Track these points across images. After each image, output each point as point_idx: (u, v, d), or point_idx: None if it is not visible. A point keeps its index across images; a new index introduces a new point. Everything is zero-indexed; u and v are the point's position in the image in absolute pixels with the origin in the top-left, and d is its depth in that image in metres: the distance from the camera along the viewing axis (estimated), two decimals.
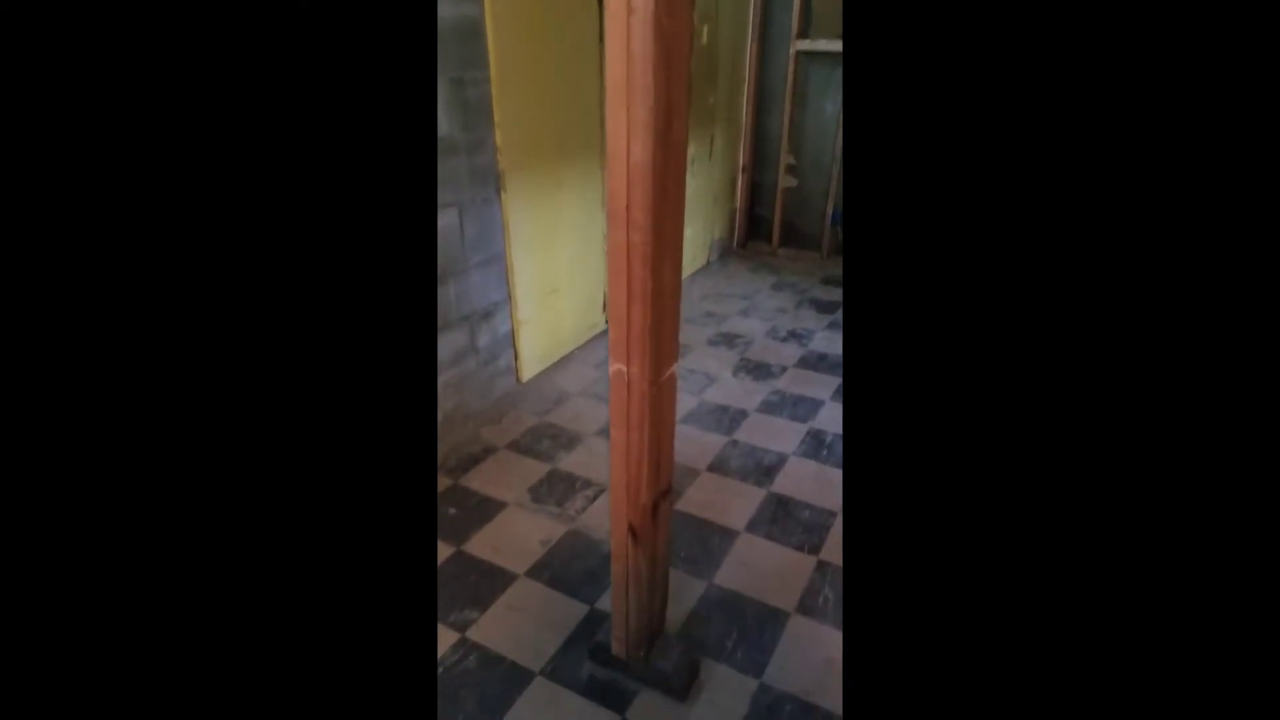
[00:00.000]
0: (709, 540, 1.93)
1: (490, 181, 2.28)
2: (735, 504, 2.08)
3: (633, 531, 1.30)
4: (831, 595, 1.74)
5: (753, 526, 1.98)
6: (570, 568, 1.83)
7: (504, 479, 2.17)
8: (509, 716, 1.43)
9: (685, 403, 2.62)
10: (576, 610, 1.69)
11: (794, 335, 3.23)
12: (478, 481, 2.15)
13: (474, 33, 2.08)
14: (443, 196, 2.11)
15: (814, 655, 1.58)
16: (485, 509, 2.04)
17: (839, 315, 3.43)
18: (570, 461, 2.26)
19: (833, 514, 2.03)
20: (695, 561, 1.85)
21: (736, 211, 4.31)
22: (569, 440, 2.38)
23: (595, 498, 2.09)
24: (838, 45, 3.72)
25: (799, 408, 2.61)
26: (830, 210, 4.08)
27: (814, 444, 2.38)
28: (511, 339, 2.59)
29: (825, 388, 2.76)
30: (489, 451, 2.31)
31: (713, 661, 1.56)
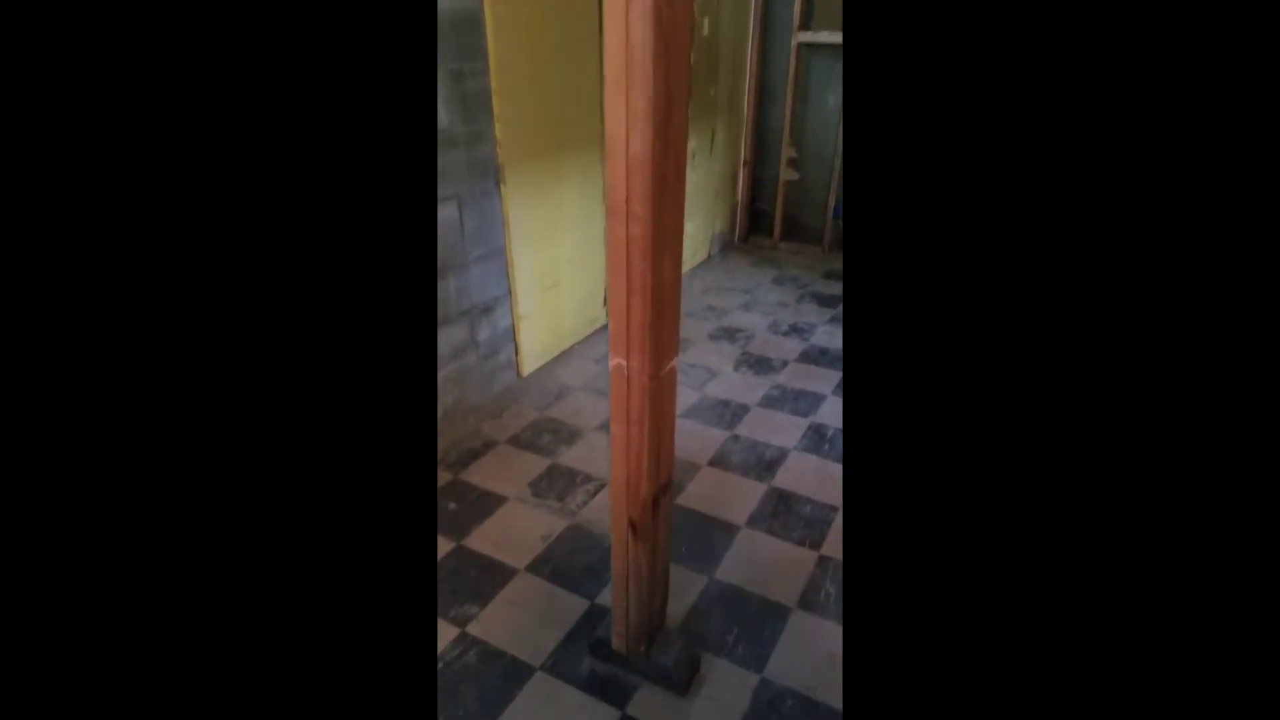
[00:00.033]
0: (710, 535, 1.92)
1: (490, 174, 2.26)
2: (736, 499, 2.07)
3: (633, 526, 1.30)
4: (833, 590, 1.74)
5: (754, 521, 1.98)
6: (571, 562, 1.82)
7: (504, 474, 2.16)
8: (509, 711, 1.43)
9: (686, 397, 2.61)
10: (577, 605, 1.69)
11: (795, 329, 3.22)
12: (478, 476, 2.15)
13: (473, 24, 2.06)
14: (442, 190, 2.10)
15: (815, 650, 1.57)
16: (485, 504, 2.03)
17: (840, 309, 3.41)
18: (571, 456, 2.26)
19: (834, 509, 2.03)
20: (696, 556, 1.85)
21: (738, 205, 4.29)
22: (569, 435, 2.37)
23: (596, 492, 2.08)
24: (840, 37, 3.70)
25: (800, 402, 2.60)
26: (832, 204, 4.06)
27: (815, 438, 2.37)
28: (512, 333, 2.58)
29: (827, 382, 2.75)
30: (489, 446, 2.30)
31: (713, 656, 1.55)
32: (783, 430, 2.42)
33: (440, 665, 1.53)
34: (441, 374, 2.30)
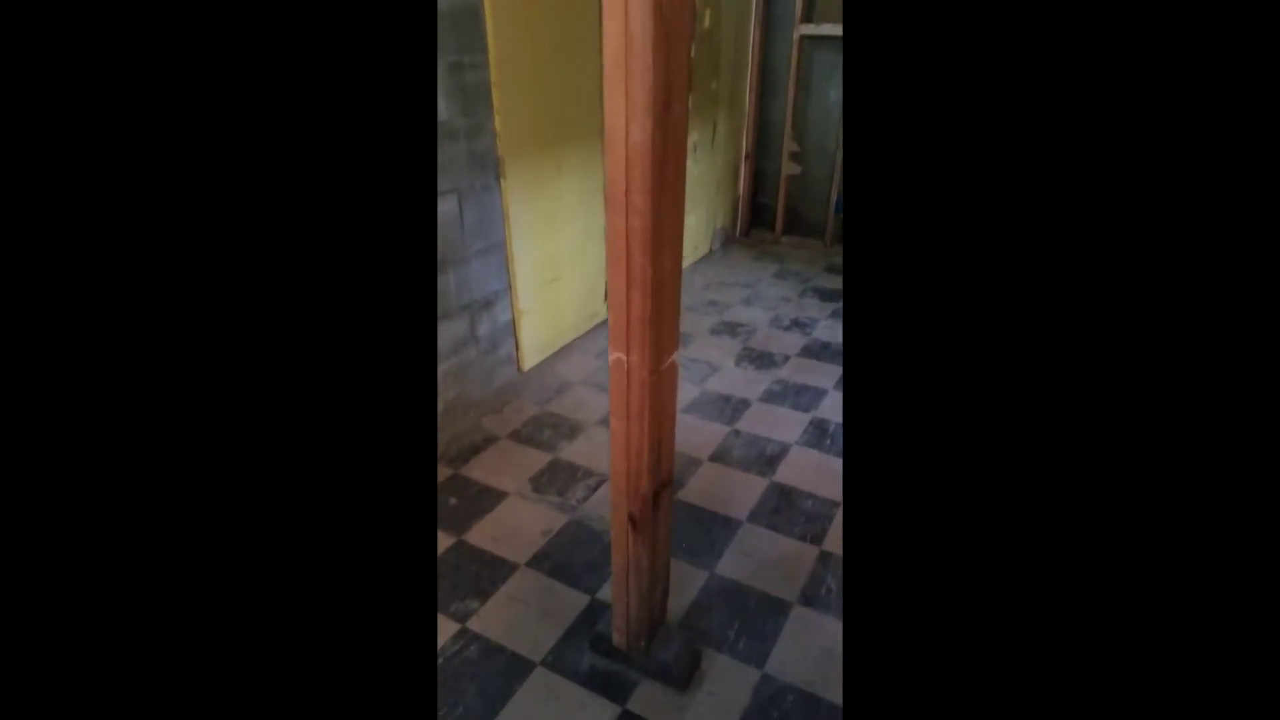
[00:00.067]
0: (711, 530, 1.92)
1: (490, 168, 2.25)
2: (737, 494, 2.06)
3: (633, 521, 1.29)
4: (834, 585, 1.73)
5: (755, 516, 1.97)
6: (571, 558, 1.82)
7: (505, 469, 2.16)
8: (509, 707, 1.43)
9: (687, 392, 2.60)
10: (577, 600, 1.69)
11: (797, 324, 3.20)
12: (478, 471, 2.14)
13: (472, 16, 2.04)
14: (442, 183, 2.09)
15: (816, 646, 1.57)
16: (486, 499, 2.02)
17: (843, 304, 3.40)
18: (571, 451, 2.25)
19: (835, 504, 2.02)
20: (697, 551, 1.84)
21: (739, 199, 4.27)
22: (570, 430, 2.36)
23: (597, 487, 2.07)
24: (842, 29, 3.67)
25: (802, 397, 2.59)
26: (834, 198, 4.04)
27: (817, 433, 2.36)
28: (512, 328, 2.57)
29: (828, 377, 2.73)
30: (490, 441, 2.29)
31: (714, 652, 1.55)
32: (784, 425, 2.41)
33: (440, 661, 1.52)
34: (441, 369, 2.29)
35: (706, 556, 1.83)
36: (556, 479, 2.12)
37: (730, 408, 2.52)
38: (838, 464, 2.20)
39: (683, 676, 1.45)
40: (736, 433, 2.37)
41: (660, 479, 1.28)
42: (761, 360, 2.87)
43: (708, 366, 2.81)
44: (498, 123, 2.22)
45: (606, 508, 1.96)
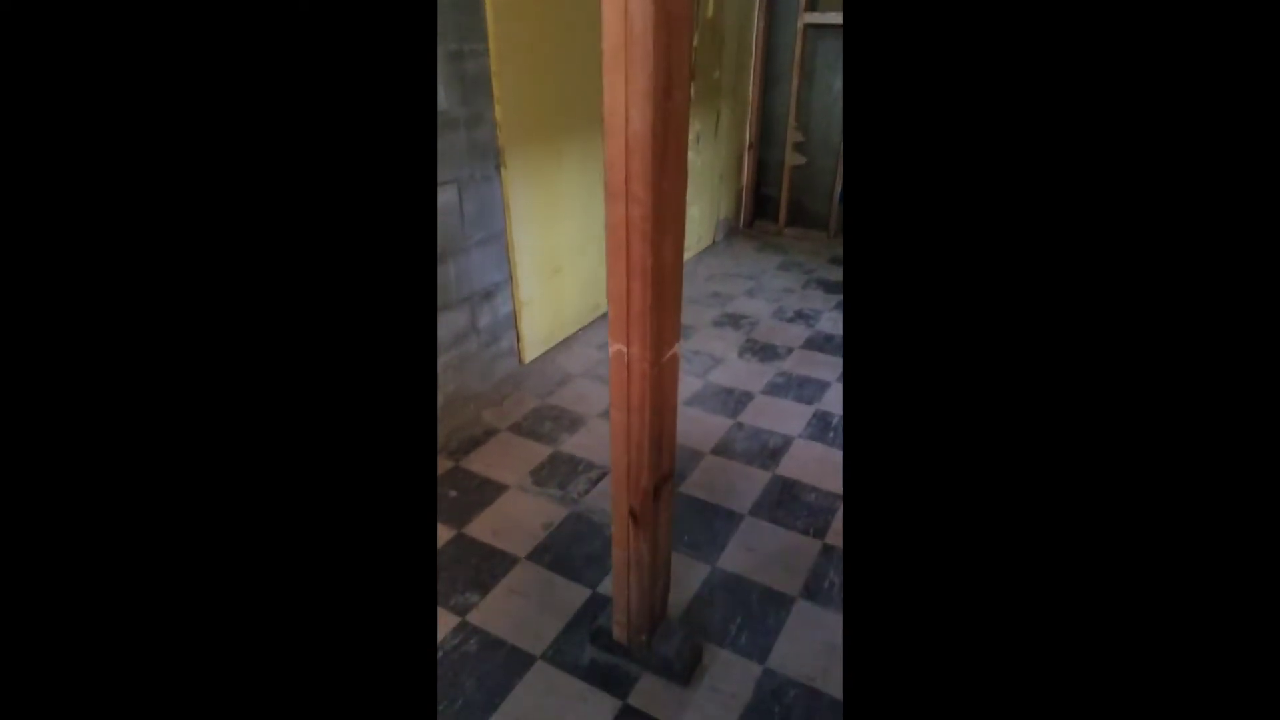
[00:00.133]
0: (713, 523, 1.90)
1: (490, 157, 2.23)
2: (740, 487, 2.05)
3: (634, 515, 1.27)
4: (837, 580, 1.72)
5: (757, 510, 1.96)
6: (572, 551, 1.81)
7: (505, 461, 2.15)
8: (509, 700, 1.42)
9: (690, 384, 2.59)
10: (578, 594, 1.68)
11: (801, 316, 3.18)
12: (479, 464, 2.13)
13: (472, 3, 2.02)
14: (441, 173, 2.07)
15: (819, 640, 1.55)
16: (486, 491, 2.01)
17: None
18: (572, 444, 2.24)
19: (838, 497, 2.00)
20: (699, 545, 1.83)
21: (743, 190, 4.24)
22: (571, 422, 2.35)
23: (598, 480, 2.06)
24: None
25: (805, 389, 2.57)
26: (838, 189, 4.01)
27: (820, 426, 2.35)
28: (513, 320, 2.55)
29: (832, 369, 2.71)
30: (490, 433, 2.28)
31: (716, 646, 1.54)
32: (787, 418, 2.39)
33: (440, 654, 1.51)
34: (442, 361, 2.27)
35: (708, 550, 1.81)
36: (557, 472, 2.10)
37: (733, 400, 2.50)
38: (841, 457, 2.18)
39: (684, 671, 1.44)
40: (739, 425, 2.35)
41: (661, 473, 1.27)
42: (764, 352, 2.85)
43: (710, 359, 2.79)
44: (498, 112, 2.19)
45: (608, 501, 1.95)
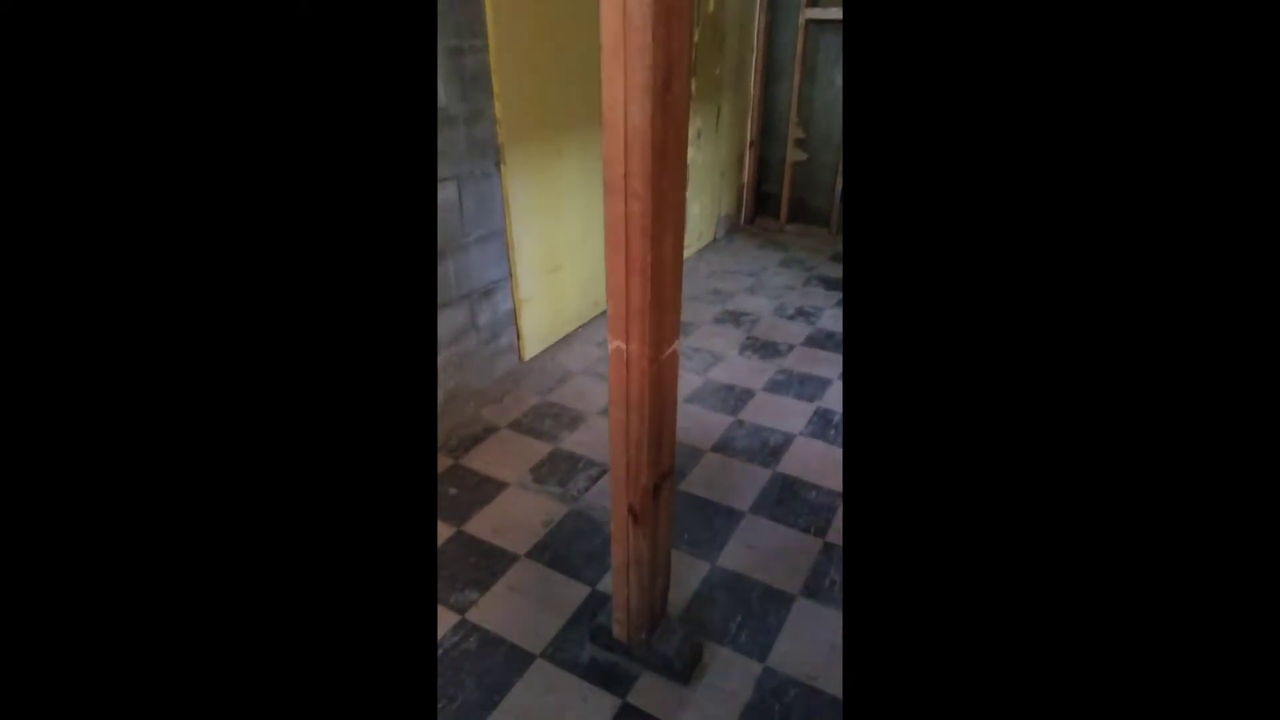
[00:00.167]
0: (713, 521, 1.90)
1: (489, 154, 2.22)
2: (740, 484, 2.04)
3: (633, 514, 1.27)
4: (838, 578, 1.71)
5: (758, 508, 1.95)
6: (572, 549, 1.80)
7: (505, 459, 2.14)
8: (509, 699, 1.41)
9: (690, 382, 2.58)
10: (578, 592, 1.67)
11: (802, 313, 3.17)
12: (479, 461, 2.12)
13: None
14: (441, 170, 2.06)
15: (820, 639, 1.55)
16: (486, 489, 2.01)
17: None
18: (573, 441, 2.23)
19: (839, 495, 2.00)
20: (699, 543, 1.82)
21: (744, 187, 4.22)
22: (571, 420, 2.34)
23: (598, 478, 2.06)
24: None
25: (806, 387, 2.56)
26: (840, 185, 3.99)
27: (821, 423, 2.34)
28: (513, 317, 2.54)
29: (833, 366, 2.70)
30: (490, 431, 2.28)
31: (716, 645, 1.53)
32: (788, 415, 2.38)
33: (439, 652, 1.51)
34: (441, 358, 2.27)
35: (708, 548, 1.81)
36: (557, 469, 2.10)
37: (734, 397, 2.49)
38: (842, 454, 2.18)
39: (684, 669, 1.44)
40: (740, 423, 2.34)
41: (661, 470, 1.26)
42: (765, 349, 2.84)
43: (711, 356, 2.79)
44: (498, 109, 2.18)
45: (608, 498, 1.94)
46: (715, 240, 4.05)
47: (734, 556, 1.78)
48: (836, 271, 3.65)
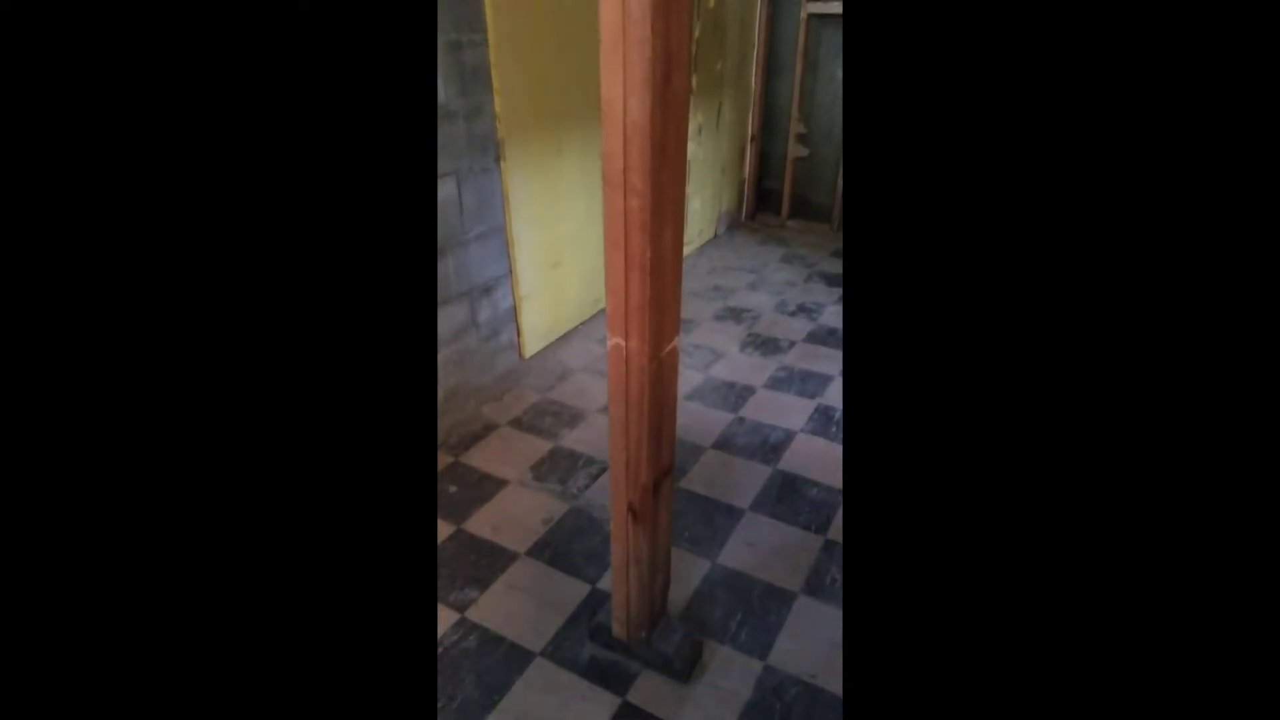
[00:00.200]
0: (713, 519, 1.89)
1: (489, 150, 2.20)
2: (741, 482, 2.03)
3: (633, 511, 1.26)
4: (839, 576, 1.70)
5: (758, 505, 1.94)
6: (572, 546, 1.79)
7: (505, 456, 2.13)
8: (508, 697, 1.41)
9: (691, 379, 2.57)
10: (578, 590, 1.66)
11: (803, 309, 3.16)
12: (479, 459, 2.12)
13: None
14: (440, 166, 2.05)
15: (820, 637, 1.54)
16: (486, 487, 2.00)
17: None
18: (573, 439, 2.22)
19: (841, 492, 1.99)
20: (699, 541, 1.81)
21: (745, 182, 4.21)
22: (572, 417, 2.33)
23: (598, 475, 2.05)
24: None
25: (807, 383, 2.55)
26: (841, 181, 3.97)
27: (823, 420, 2.33)
28: (513, 314, 2.53)
29: (834, 363, 2.69)
30: (490, 428, 2.27)
31: (716, 643, 1.52)
32: (789, 412, 2.37)
33: (439, 650, 1.50)
34: (441, 355, 2.26)
35: (709, 546, 1.80)
36: (557, 467, 2.09)
37: (734, 394, 2.48)
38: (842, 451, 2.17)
39: (684, 668, 1.43)
40: (740, 420, 2.33)
41: (660, 468, 1.25)
42: (766, 346, 2.83)
43: (711, 353, 2.77)
44: (497, 104, 2.17)
45: (608, 496, 1.93)
46: (716, 236, 4.04)
47: (734, 554, 1.77)
48: (838, 267, 3.64)
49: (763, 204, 4.29)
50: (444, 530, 1.84)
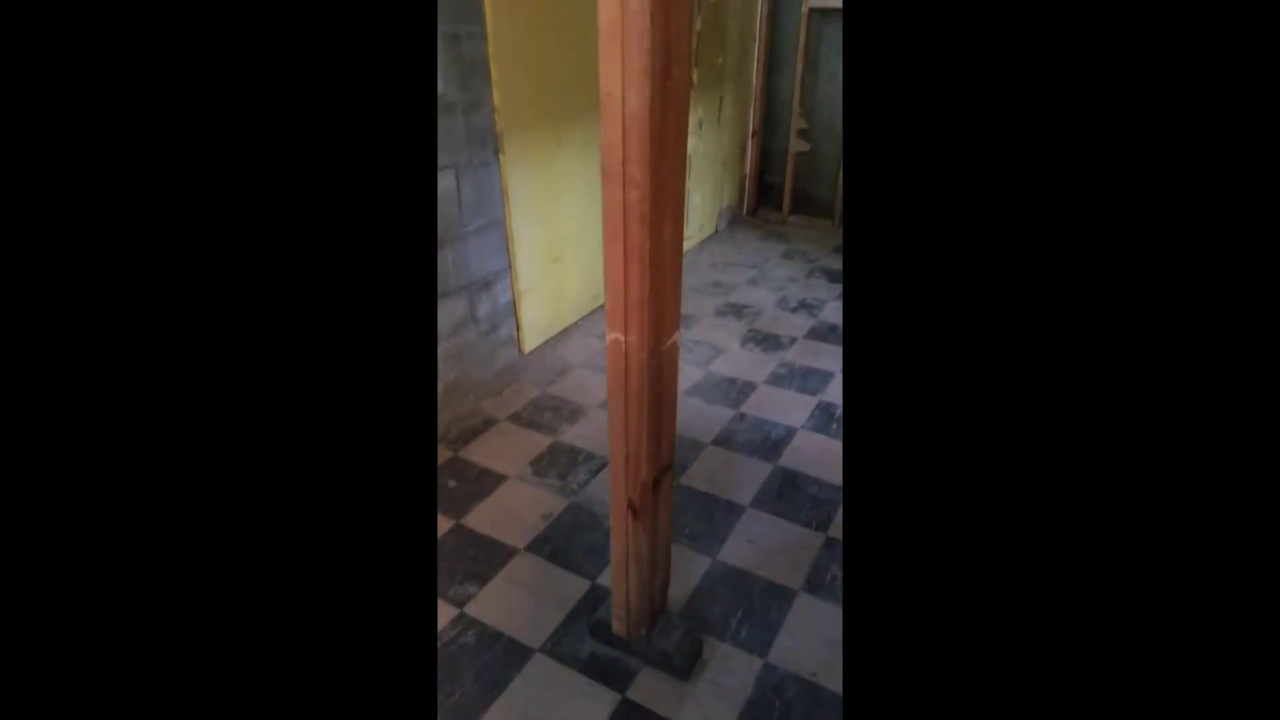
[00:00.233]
0: (714, 516, 1.88)
1: (488, 143, 2.19)
2: (742, 479, 2.02)
3: (632, 508, 1.25)
4: (839, 573, 1.69)
5: (759, 502, 1.93)
6: (571, 542, 1.79)
7: (505, 451, 2.12)
8: (507, 694, 1.40)
9: (691, 375, 2.56)
10: (578, 586, 1.66)
11: (804, 305, 3.14)
12: (478, 454, 2.11)
13: None
14: (438, 159, 2.03)
15: (821, 634, 1.53)
16: (485, 482, 1.99)
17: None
18: (572, 434, 2.21)
19: (842, 489, 1.98)
20: (699, 537, 1.80)
21: (746, 178, 4.19)
22: (572, 412, 2.32)
23: (598, 471, 2.04)
24: None
25: (809, 380, 2.54)
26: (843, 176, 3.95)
27: (824, 417, 2.32)
28: (513, 309, 2.52)
29: (836, 359, 2.68)
30: (490, 423, 2.26)
31: (716, 640, 1.52)
32: (790, 409, 2.36)
33: (438, 646, 1.50)
34: (440, 350, 2.25)
35: (709, 542, 1.79)
36: (557, 462, 2.08)
37: (735, 390, 2.47)
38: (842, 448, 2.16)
39: (684, 665, 1.42)
40: (741, 416, 2.32)
41: (660, 465, 1.24)
42: (767, 342, 2.82)
43: (712, 348, 2.76)
44: (496, 97, 2.15)
45: (608, 491, 1.93)
46: (717, 232, 4.02)
47: (735, 551, 1.76)
48: (839, 263, 3.62)
49: (764, 199, 4.27)
50: (443, 525, 1.83)
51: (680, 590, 1.64)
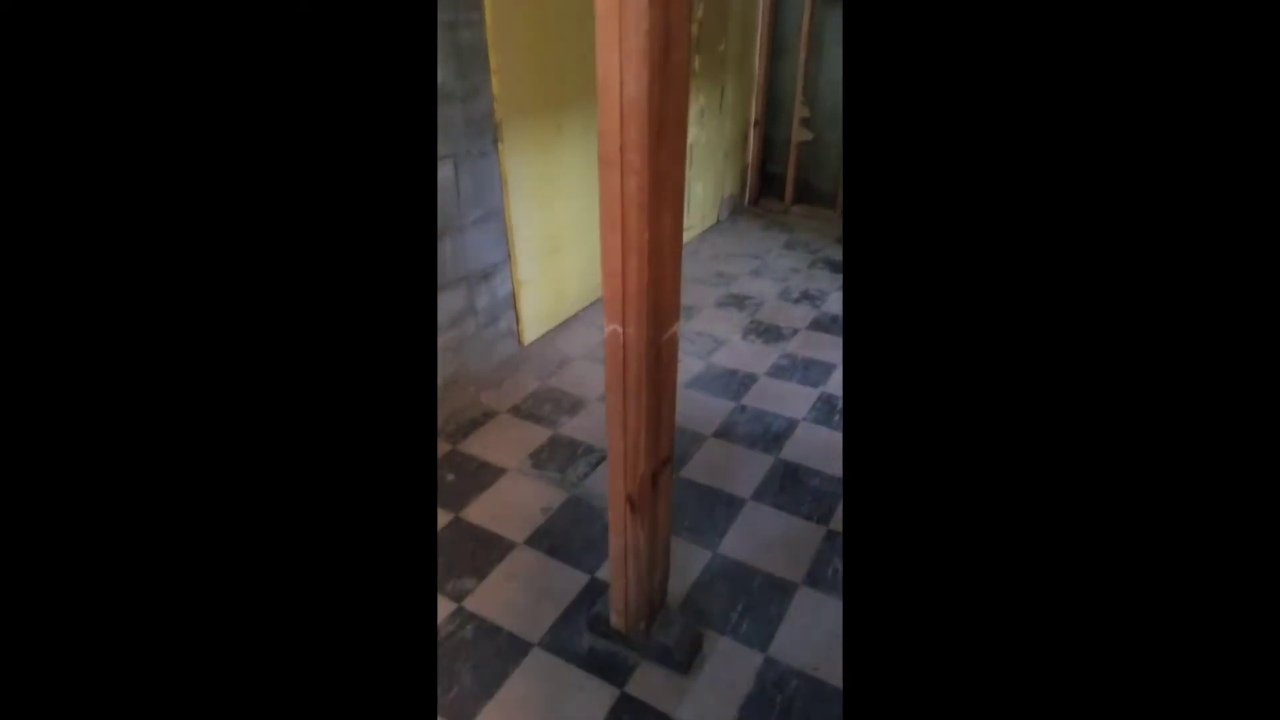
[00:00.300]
0: (714, 509, 1.87)
1: (487, 132, 2.16)
2: (742, 471, 2.01)
3: (631, 503, 1.23)
4: (841, 566, 1.68)
5: (760, 495, 1.92)
6: (571, 536, 1.77)
7: (504, 444, 2.11)
8: (505, 688, 1.39)
9: (692, 366, 2.54)
10: (577, 580, 1.64)
11: (806, 296, 3.12)
12: (477, 447, 2.09)
13: None
14: (437, 148, 2.00)
15: (822, 628, 1.52)
16: (484, 475, 1.98)
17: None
18: (572, 427, 2.20)
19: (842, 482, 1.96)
20: (700, 531, 1.79)
21: (748, 167, 4.15)
22: (571, 405, 2.31)
23: (597, 464, 2.02)
24: None
25: (810, 372, 2.52)
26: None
27: (825, 409, 2.30)
28: (512, 300, 2.50)
29: (838, 351, 2.66)
30: (489, 416, 2.24)
31: (716, 634, 1.51)
32: (792, 400, 2.34)
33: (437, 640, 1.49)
34: (439, 342, 2.23)
35: (709, 536, 1.78)
36: (556, 455, 2.07)
37: (736, 382, 2.45)
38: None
39: (683, 659, 1.41)
40: (742, 408, 2.31)
41: (659, 458, 1.23)
42: (769, 333, 2.79)
43: (713, 340, 2.74)
44: (495, 85, 2.12)
45: (607, 485, 1.91)
46: (719, 222, 3.99)
47: (735, 544, 1.75)
48: (842, 254, 3.59)
49: (766, 189, 4.23)
50: (442, 518, 1.82)
51: (680, 584, 1.63)
